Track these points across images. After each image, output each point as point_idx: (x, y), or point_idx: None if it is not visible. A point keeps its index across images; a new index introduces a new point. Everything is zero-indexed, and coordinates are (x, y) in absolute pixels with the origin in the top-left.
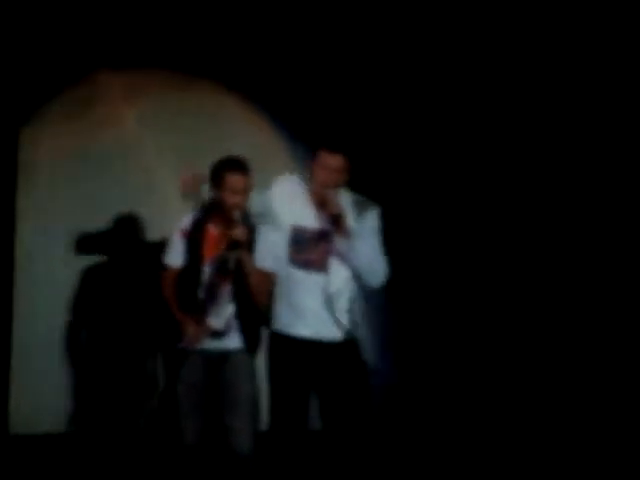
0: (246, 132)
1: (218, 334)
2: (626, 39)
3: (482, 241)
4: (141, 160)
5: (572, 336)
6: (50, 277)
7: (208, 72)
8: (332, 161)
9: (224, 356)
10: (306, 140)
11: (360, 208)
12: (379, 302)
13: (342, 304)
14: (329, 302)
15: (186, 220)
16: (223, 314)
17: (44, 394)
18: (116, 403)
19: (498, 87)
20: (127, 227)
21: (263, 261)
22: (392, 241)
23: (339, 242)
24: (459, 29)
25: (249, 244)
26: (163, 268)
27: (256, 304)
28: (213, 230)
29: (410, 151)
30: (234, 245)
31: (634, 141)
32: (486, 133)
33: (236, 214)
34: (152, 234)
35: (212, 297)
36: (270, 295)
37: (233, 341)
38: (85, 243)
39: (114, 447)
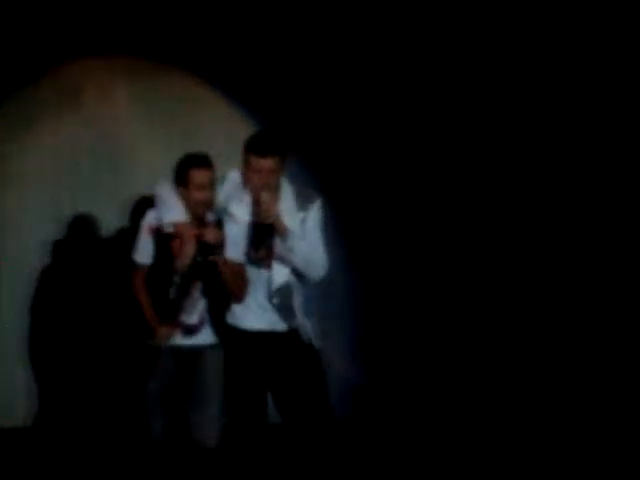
0: (218, 123)
1: (190, 330)
2: (626, 39)
3: (457, 235)
4: (112, 149)
5: (558, 333)
6: (20, 267)
7: (184, 60)
8: (262, 163)
9: (196, 352)
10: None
11: (302, 200)
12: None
13: (285, 298)
14: (272, 297)
15: (151, 216)
16: (195, 310)
17: (12, 389)
18: (83, 399)
19: (490, 84)
20: (95, 220)
21: (234, 253)
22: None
23: (277, 244)
24: (453, 27)
25: (221, 245)
26: (133, 264)
27: (235, 298)
28: (170, 229)
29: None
30: (207, 249)
31: (634, 141)
32: (480, 130)
33: (206, 213)
34: (125, 227)
35: (184, 295)
36: (247, 286)
37: (205, 337)
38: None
39: (80, 443)
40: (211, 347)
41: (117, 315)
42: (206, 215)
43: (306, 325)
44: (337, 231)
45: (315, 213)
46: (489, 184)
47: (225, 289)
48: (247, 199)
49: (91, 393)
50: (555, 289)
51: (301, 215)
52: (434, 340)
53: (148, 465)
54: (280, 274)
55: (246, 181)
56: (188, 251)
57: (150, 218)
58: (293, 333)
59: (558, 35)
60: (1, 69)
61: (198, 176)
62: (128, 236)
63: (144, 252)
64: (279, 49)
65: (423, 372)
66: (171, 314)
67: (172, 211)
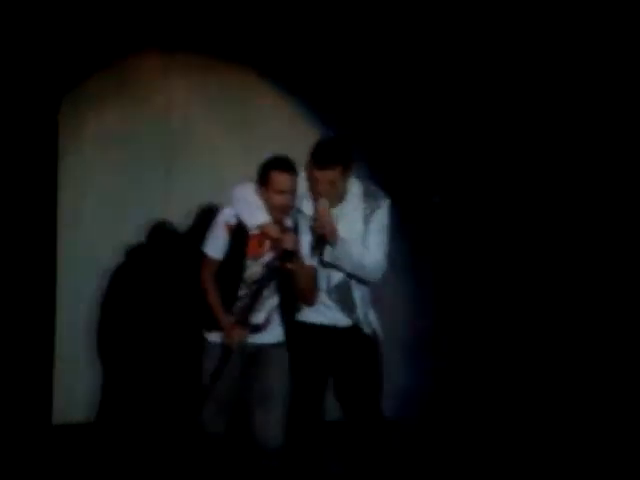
0: (277, 119)
1: (256, 329)
2: (626, 39)
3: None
4: (176, 144)
5: (574, 337)
6: (86, 265)
7: (246, 58)
8: (322, 175)
9: (260, 350)
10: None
11: (370, 200)
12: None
13: (344, 293)
14: (331, 293)
15: (229, 213)
16: (264, 308)
17: (75, 386)
18: (145, 396)
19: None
20: (161, 214)
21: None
22: None
23: (327, 251)
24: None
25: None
26: (198, 256)
27: (305, 301)
28: (255, 231)
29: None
30: (286, 255)
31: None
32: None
33: (283, 218)
34: (186, 220)
35: (255, 294)
36: (317, 290)
37: (271, 335)
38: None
39: (141, 441)
40: (276, 346)
41: (181, 312)
42: (284, 220)
43: (369, 318)
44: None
45: (381, 215)
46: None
47: (293, 290)
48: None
49: (153, 390)
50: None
51: (365, 213)
52: (486, 342)
53: (208, 465)
54: (336, 272)
55: (309, 187)
56: (290, 244)
57: (228, 215)
58: (355, 329)
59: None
60: (65, 61)
61: (279, 180)
62: (188, 235)
63: (217, 247)
64: (342, 49)
65: (475, 374)
66: (239, 313)
67: (258, 213)
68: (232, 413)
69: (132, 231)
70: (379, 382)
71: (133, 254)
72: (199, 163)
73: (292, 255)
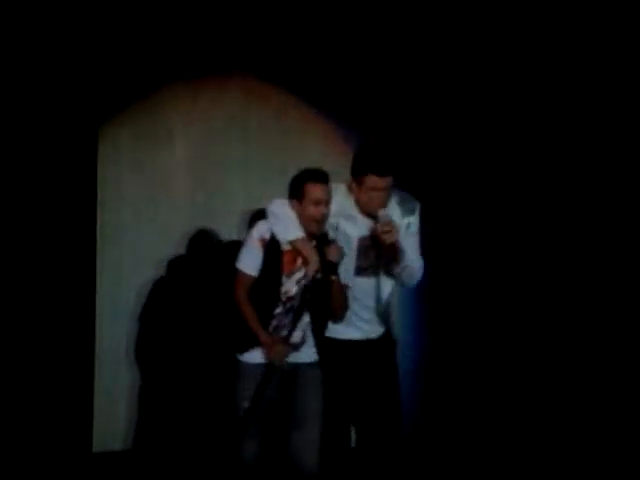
0: (315, 142)
1: (294, 347)
2: (626, 39)
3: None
4: (208, 168)
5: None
6: (124, 284)
7: (281, 80)
8: (382, 183)
9: (297, 370)
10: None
11: (404, 208)
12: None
13: (386, 305)
14: (380, 304)
15: (263, 228)
16: (300, 326)
17: (113, 414)
18: (181, 421)
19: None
20: (197, 235)
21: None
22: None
23: (395, 266)
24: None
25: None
26: (232, 273)
27: (337, 317)
28: (288, 247)
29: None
30: (329, 267)
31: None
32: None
33: (319, 229)
34: (223, 237)
35: (295, 312)
36: (347, 308)
37: (307, 354)
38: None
39: (177, 466)
40: (312, 365)
41: (215, 332)
42: (322, 232)
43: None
44: None
45: (415, 219)
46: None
47: (328, 306)
48: (359, 217)
49: (189, 414)
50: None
51: (405, 222)
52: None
53: None
54: (387, 284)
55: (361, 200)
56: (313, 267)
57: (262, 230)
58: (386, 337)
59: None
60: (104, 91)
61: (314, 191)
62: (228, 253)
63: (252, 263)
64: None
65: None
66: (275, 331)
67: (290, 228)
68: (265, 436)
69: (169, 247)
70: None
71: (168, 273)
72: (234, 180)
73: (336, 267)
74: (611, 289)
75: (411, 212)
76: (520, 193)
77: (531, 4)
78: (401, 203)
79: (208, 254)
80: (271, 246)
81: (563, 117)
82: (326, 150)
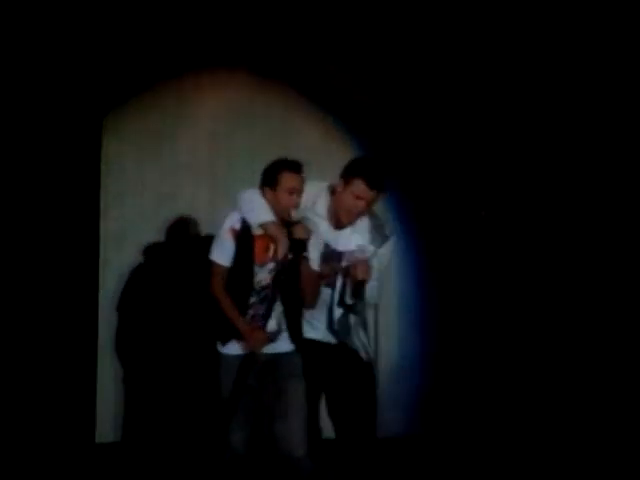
0: (318, 140)
1: (270, 337)
2: (626, 39)
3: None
4: (212, 162)
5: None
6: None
7: (283, 75)
8: (368, 194)
9: (274, 360)
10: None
11: (376, 235)
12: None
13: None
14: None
15: (234, 218)
16: (275, 316)
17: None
18: (166, 412)
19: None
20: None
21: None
22: None
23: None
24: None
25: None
26: (208, 265)
27: (307, 304)
28: (259, 231)
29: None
30: (299, 245)
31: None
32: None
33: (293, 213)
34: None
35: (265, 300)
36: (319, 294)
37: (284, 343)
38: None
39: (165, 458)
40: (290, 354)
41: (197, 322)
42: (290, 219)
43: (363, 341)
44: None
45: (386, 250)
46: None
47: (299, 295)
48: (323, 223)
49: (174, 405)
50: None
51: (371, 249)
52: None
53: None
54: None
55: (340, 202)
56: (283, 250)
57: (233, 220)
58: (345, 346)
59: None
60: (108, 83)
61: (289, 180)
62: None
63: (224, 254)
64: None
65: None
66: (251, 321)
67: (261, 212)
68: (253, 425)
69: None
70: (371, 400)
71: (161, 266)
72: (238, 174)
73: (304, 245)
74: (614, 284)
75: (382, 242)
76: (521, 192)
77: (531, 4)
78: (375, 229)
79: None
80: (242, 236)
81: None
82: (329, 147)
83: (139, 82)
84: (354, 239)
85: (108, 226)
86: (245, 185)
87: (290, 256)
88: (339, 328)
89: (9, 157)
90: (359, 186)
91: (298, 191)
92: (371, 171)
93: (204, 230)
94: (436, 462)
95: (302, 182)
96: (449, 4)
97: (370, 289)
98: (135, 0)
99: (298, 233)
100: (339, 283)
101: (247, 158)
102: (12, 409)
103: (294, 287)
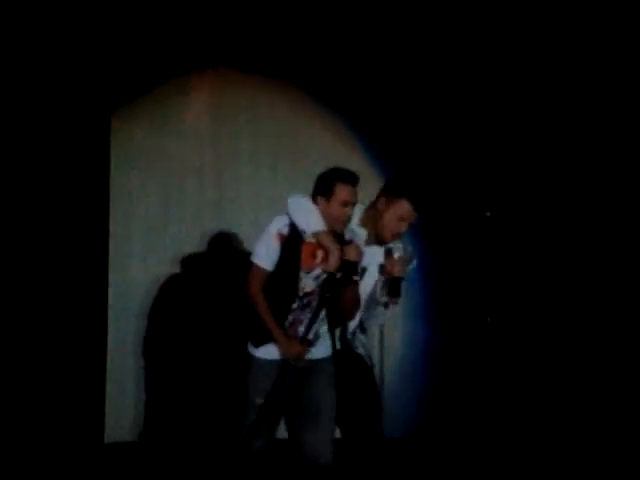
0: (324, 137)
1: (309, 343)
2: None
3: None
4: (219, 159)
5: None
6: (137, 284)
7: (290, 75)
8: (412, 216)
9: (311, 365)
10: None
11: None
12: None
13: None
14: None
15: (282, 222)
16: (313, 324)
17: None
18: (189, 413)
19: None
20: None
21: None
22: None
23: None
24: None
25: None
26: (244, 266)
27: (349, 315)
28: (310, 238)
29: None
30: (348, 266)
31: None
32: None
33: (342, 230)
34: (234, 234)
35: (306, 307)
36: (359, 307)
37: (320, 350)
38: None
39: (185, 459)
40: (325, 360)
41: (227, 326)
42: (344, 232)
43: (360, 339)
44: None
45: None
46: None
47: (343, 308)
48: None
49: (198, 407)
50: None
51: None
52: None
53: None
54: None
55: (383, 221)
56: (333, 262)
57: (280, 225)
58: (346, 349)
59: None
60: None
61: (344, 192)
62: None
63: (269, 257)
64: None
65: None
66: (292, 325)
67: (316, 221)
68: (275, 430)
69: (180, 239)
70: (375, 401)
71: (179, 265)
72: (244, 172)
73: (355, 267)
74: (619, 285)
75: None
76: (526, 192)
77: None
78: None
79: (219, 246)
80: (289, 241)
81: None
82: (335, 144)
83: (145, 81)
84: (378, 256)
85: (116, 225)
86: (250, 185)
87: (339, 275)
88: (349, 336)
89: (18, 157)
90: (404, 207)
91: (351, 204)
92: (417, 192)
93: (210, 230)
94: (439, 462)
95: (356, 195)
96: (457, 8)
97: (379, 312)
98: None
99: (351, 255)
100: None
101: (253, 156)
102: (22, 409)
103: (337, 298)
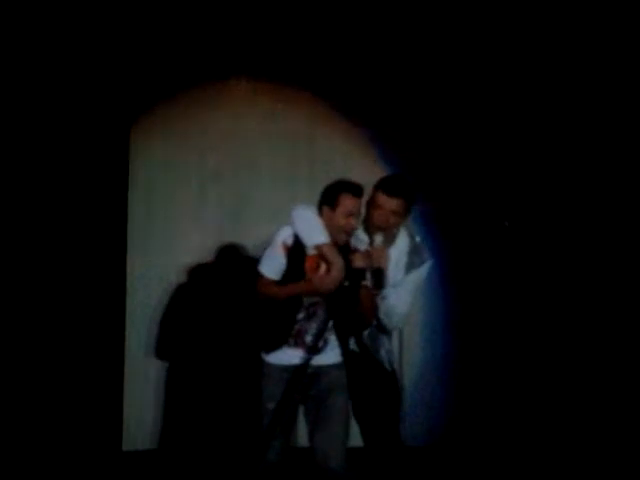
0: (343, 150)
1: (314, 350)
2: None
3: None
4: (238, 170)
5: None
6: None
7: (309, 84)
8: (388, 203)
9: (320, 371)
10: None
11: (413, 258)
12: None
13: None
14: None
15: (286, 233)
16: (320, 330)
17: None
18: (206, 420)
19: None
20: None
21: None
22: None
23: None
24: None
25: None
26: (254, 277)
27: (366, 322)
28: (313, 251)
29: None
30: (356, 274)
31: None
32: None
33: (347, 241)
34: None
35: (312, 317)
36: (376, 310)
37: (328, 357)
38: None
39: (202, 466)
40: (335, 366)
41: (240, 332)
42: (349, 241)
43: (389, 352)
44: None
45: (421, 273)
46: None
47: (354, 311)
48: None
49: (214, 414)
50: None
51: (407, 268)
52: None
53: None
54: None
55: (367, 218)
56: (336, 275)
57: (285, 235)
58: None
59: None
60: (135, 91)
61: (349, 203)
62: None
63: (274, 267)
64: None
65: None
66: (299, 335)
67: (317, 233)
68: (288, 437)
69: (198, 247)
70: (393, 407)
71: (195, 273)
72: (263, 182)
73: (364, 274)
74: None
75: (416, 263)
76: (544, 202)
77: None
78: (414, 251)
79: (237, 256)
80: (294, 252)
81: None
82: (352, 156)
83: (165, 90)
84: (392, 257)
85: (134, 236)
86: (268, 194)
87: (347, 283)
88: (367, 340)
89: (37, 165)
90: (379, 197)
91: (356, 214)
92: (389, 181)
93: (229, 240)
94: (458, 471)
95: (360, 206)
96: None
97: (396, 310)
98: (161, 8)
99: (358, 262)
100: None
101: (272, 166)
102: (39, 415)
103: (348, 305)
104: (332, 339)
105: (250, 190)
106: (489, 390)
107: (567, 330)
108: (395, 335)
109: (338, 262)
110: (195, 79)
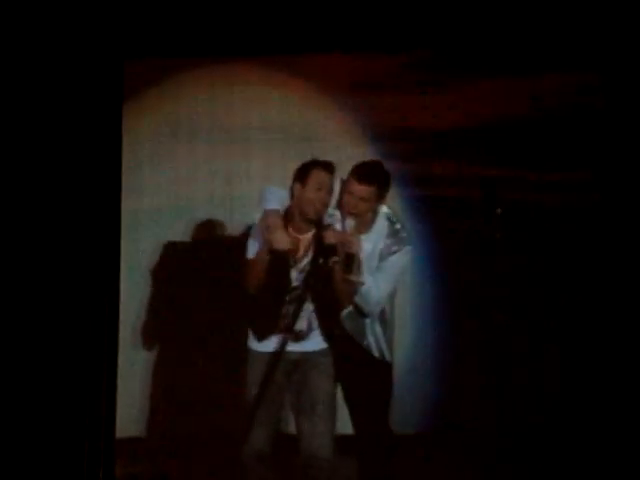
0: (335, 135)
1: (300, 336)
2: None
3: None
4: (229, 147)
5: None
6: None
7: (302, 69)
8: (357, 189)
9: (304, 358)
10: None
11: (391, 242)
12: None
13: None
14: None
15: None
16: (305, 315)
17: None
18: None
19: None
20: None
21: None
22: None
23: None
24: None
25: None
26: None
27: (341, 306)
28: (292, 230)
29: None
30: (329, 250)
31: None
32: None
33: (318, 216)
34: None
35: (296, 299)
36: (353, 295)
37: (314, 343)
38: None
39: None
40: (320, 353)
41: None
42: (321, 217)
43: (378, 339)
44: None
45: (400, 258)
46: None
47: (332, 294)
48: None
49: (199, 401)
50: None
51: (384, 252)
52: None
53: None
54: None
55: (339, 203)
56: (277, 243)
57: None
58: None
59: None
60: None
61: (318, 176)
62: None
63: (253, 248)
64: None
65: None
66: (284, 318)
67: (271, 201)
68: (276, 423)
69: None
70: (381, 393)
71: (185, 262)
72: (254, 171)
73: (335, 250)
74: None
75: (394, 248)
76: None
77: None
78: (393, 235)
79: (228, 244)
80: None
81: None
82: (344, 142)
83: (155, 79)
84: (369, 242)
85: (125, 222)
86: (261, 183)
87: (320, 260)
88: (351, 324)
89: (27, 154)
90: (350, 183)
91: (327, 189)
92: (360, 167)
93: (219, 227)
94: (448, 459)
95: (330, 182)
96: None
97: (371, 293)
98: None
99: (329, 238)
100: None
101: (264, 155)
102: (32, 406)
103: (325, 288)
104: (316, 325)
105: (241, 173)
106: (480, 377)
107: (559, 320)
108: (384, 321)
109: (277, 229)
110: (188, 65)
